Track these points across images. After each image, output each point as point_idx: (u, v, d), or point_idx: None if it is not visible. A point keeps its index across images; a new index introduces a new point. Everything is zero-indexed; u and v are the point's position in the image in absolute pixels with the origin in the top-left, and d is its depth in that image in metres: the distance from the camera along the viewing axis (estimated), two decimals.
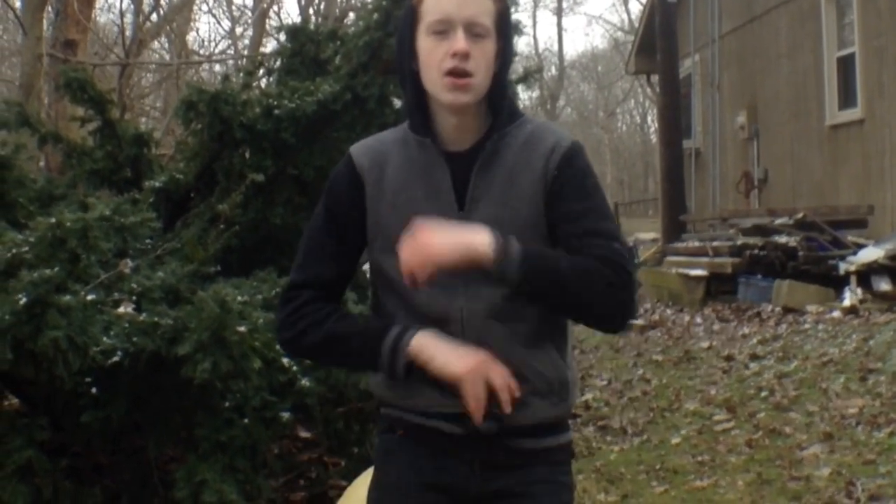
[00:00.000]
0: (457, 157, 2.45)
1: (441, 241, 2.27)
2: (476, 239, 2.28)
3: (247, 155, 5.96)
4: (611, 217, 2.44)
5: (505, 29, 2.45)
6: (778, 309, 11.32)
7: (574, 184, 2.41)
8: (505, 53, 2.46)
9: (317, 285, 2.50)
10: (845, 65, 15.26)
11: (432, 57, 2.40)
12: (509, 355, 2.37)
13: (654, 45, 19.78)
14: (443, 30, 2.38)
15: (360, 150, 2.56)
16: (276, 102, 5.69)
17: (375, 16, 5.87)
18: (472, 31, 2.37)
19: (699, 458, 6.31)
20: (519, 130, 2.47)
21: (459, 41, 2.36)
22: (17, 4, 16.19)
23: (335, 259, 2.51)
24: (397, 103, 6.01)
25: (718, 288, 13.36)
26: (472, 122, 2.45)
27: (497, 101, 2.45)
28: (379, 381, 2.48)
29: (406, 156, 2.49)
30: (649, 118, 55.54)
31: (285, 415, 4.69)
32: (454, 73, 2.37)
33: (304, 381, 4.57)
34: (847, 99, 15.20)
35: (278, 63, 6.78)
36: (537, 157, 2.42)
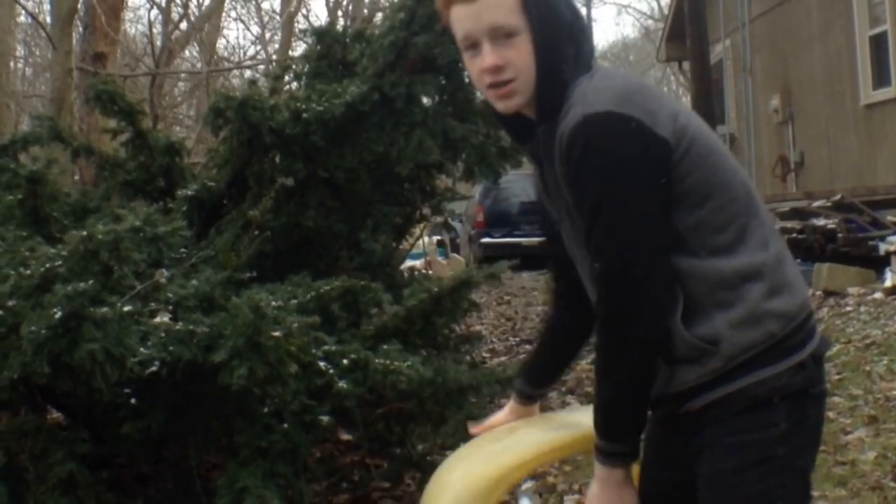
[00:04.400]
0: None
1: None
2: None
3: (277, 159, 5.97)
4: (602, 225, 2.22)
5: (538, 12, 2.28)
6: (819, 292, 11.19)
7: (573, 180, 2.26)
8: (543, 41, 2.29)
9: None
10: (878, 43, 15.10)
11: (473, 74, 2.37)
12: None
13: (685, 31, 19.65)
14: (471, 45, 2.32)
15: None
16: (304, 106, 5.69)
17: (401, 15, 5.84)
18: (499, 34, 2.27)
19: None
20: (563, 114, 2.30)
21: (486, 57, 2.29)
22: (48, 20, 16.28)
23: None
24: (425, 101, 6.00)
25: None
26: None
27: (539, 92, 2.32)
28: None
29: None
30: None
31: (325, 418, 4.67)
32: (493, 85, 2.31)
33: (342, 384, 4.55)
34: (881, 78, 15.04)
35: (306, 67, 6.78)
36: (556, 148, 2.28)
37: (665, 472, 2.47)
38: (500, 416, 2.84)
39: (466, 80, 6.10)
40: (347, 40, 6.56)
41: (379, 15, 23.46)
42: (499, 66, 2.28)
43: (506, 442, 2.67)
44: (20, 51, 29.39)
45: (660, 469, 2.48)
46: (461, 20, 2.31)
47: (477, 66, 2.32)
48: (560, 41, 2.32)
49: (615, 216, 2.21)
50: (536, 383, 2.82)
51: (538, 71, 2.30)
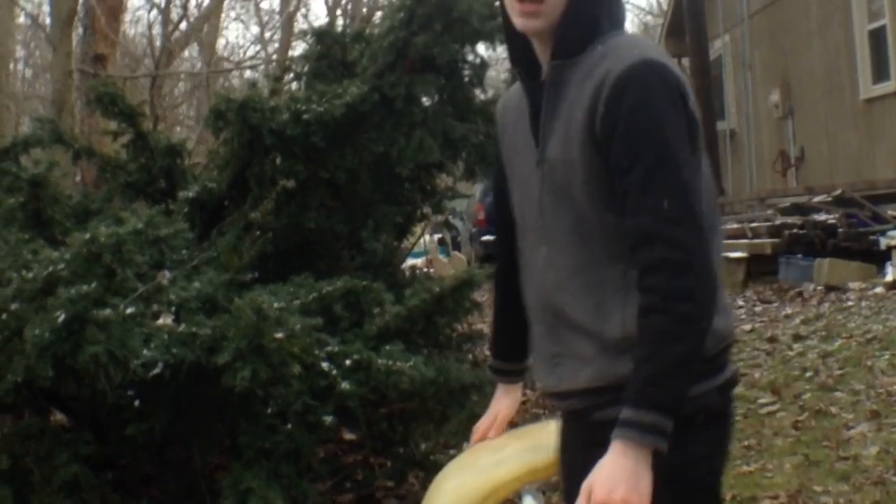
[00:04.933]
0: (539, 88, 2.35)
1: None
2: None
3: (278, 161, 5.96)
4: (664, 165, 2.13)
5: None
6: (820, 287, 11.21)
7: (621, 125, 2.15)
8: None
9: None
10: (877, 37, 15.10)
11: None
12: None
13: (684, 27, 19.66)
14: None
15: (502, 97, 2.65)
16: (304, 107, 5.68)
17: (400, 15, 5.85)
18: None
19: (745, 443, 6.25)
20: (589, 56, 2.26)
21: None
22: (47, 22, 16.30)
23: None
24: (425, 101, 6.00)
25: (759, 269, 13.22)
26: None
27: (563, 25, 2.28)
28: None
29: (517, 94, 2.48)
30: None
31: (328, 418, 4.68)
32: None
33: (345, 385, 4.56)
34: (880, 72, 15.05)
35: (306, 67, 6.77)
36: (588, 89, 2.21)
37: (581, 476, 2.16)
38: (492, 407, 2.80)
39: (466, 79, 6.11)
40: (347, 41, 6.55)
41: (378, 14, 23.44)
42: None
43: (503, 454, 2.67)
44: (20, 52, 29.42)
45: (580, 473, 2.17)
46: None
47: None
48: None
49: (673, 164, 2.14)
50: (504, 358, 2.77)
51: (569, 4, 2.26)
